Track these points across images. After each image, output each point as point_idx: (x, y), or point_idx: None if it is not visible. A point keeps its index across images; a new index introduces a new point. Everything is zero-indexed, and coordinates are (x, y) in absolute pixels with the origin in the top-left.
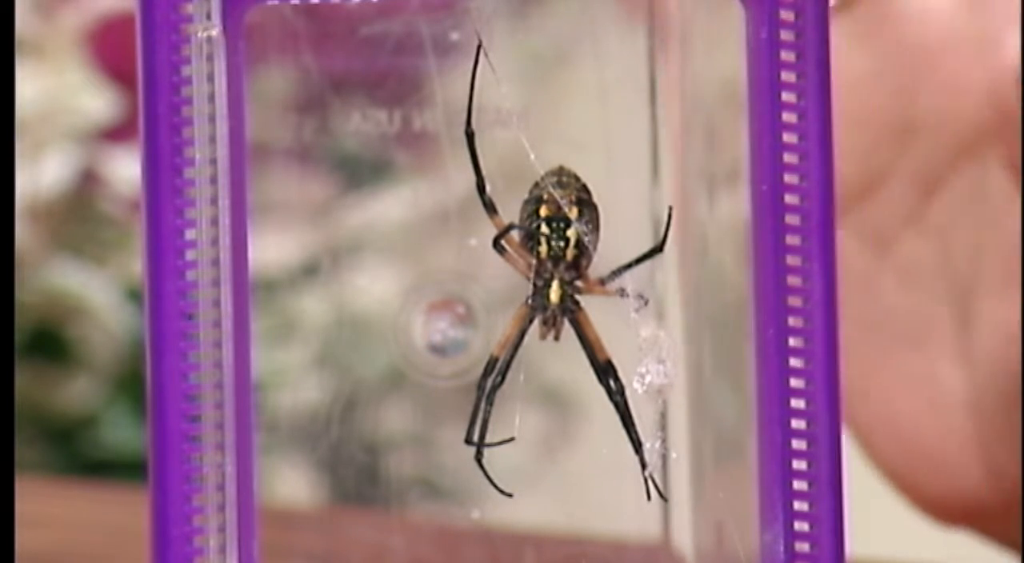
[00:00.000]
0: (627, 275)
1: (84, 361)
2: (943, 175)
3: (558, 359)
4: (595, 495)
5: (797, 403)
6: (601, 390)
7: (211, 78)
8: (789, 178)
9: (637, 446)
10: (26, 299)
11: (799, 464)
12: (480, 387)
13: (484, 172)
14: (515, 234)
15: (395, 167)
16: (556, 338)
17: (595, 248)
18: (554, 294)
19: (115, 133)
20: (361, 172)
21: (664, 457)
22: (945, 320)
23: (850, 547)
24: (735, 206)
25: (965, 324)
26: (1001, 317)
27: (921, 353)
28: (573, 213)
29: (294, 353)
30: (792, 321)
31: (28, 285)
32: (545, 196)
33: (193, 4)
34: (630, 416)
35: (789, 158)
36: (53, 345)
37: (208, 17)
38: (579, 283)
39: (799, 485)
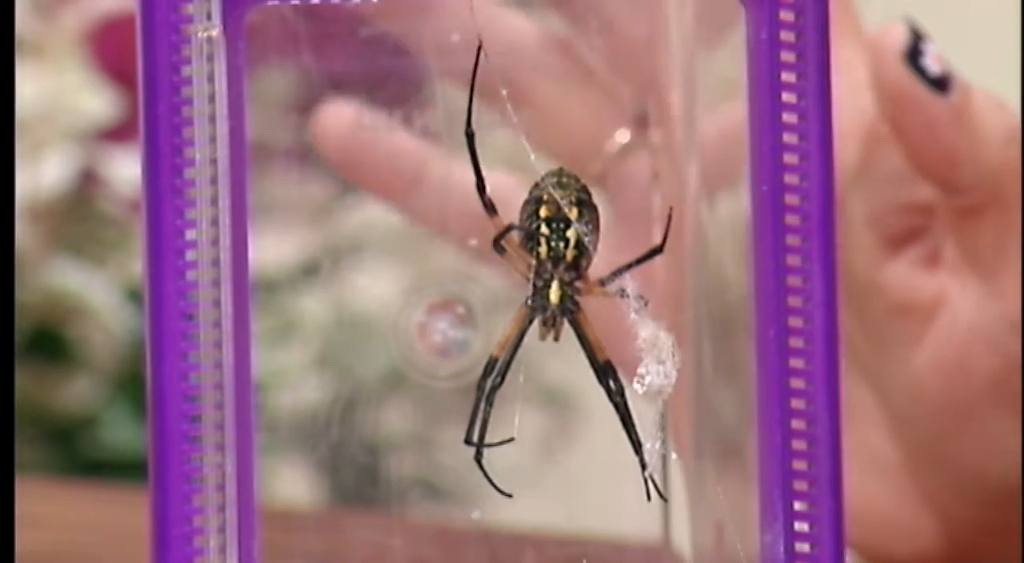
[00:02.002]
0: (627, 275)
1: (84, 361)
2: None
3: (558, 359)
4: (595, 495)
5: (797, 403)
6: (601, 390)
7: (211, 78)
8: (789, 178)
9: (637, 447)
10: (26, 299)
11: (799, 464)
12: (480, 388)
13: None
14: (515, 234)
15: None
16: (556, 338)
17: (595, 249)
18: (554, 295)
19: (115, 133)
20: None
21: (664, 457)
22: (860, 387)
23: None
24: (735, 206)
25: (877, 388)
26: (910, 373)
27: (850, 426)
28: (573, 214)
29: (294, 353)
30: (792, 321)
31: (28, 285)
32: (545, 197)
33: (193, 4)
34: (630, 417)
35: (789, 158)
36: (53, 345)
37: (208, 17)
38: (579, 284)
39: (799, 485)
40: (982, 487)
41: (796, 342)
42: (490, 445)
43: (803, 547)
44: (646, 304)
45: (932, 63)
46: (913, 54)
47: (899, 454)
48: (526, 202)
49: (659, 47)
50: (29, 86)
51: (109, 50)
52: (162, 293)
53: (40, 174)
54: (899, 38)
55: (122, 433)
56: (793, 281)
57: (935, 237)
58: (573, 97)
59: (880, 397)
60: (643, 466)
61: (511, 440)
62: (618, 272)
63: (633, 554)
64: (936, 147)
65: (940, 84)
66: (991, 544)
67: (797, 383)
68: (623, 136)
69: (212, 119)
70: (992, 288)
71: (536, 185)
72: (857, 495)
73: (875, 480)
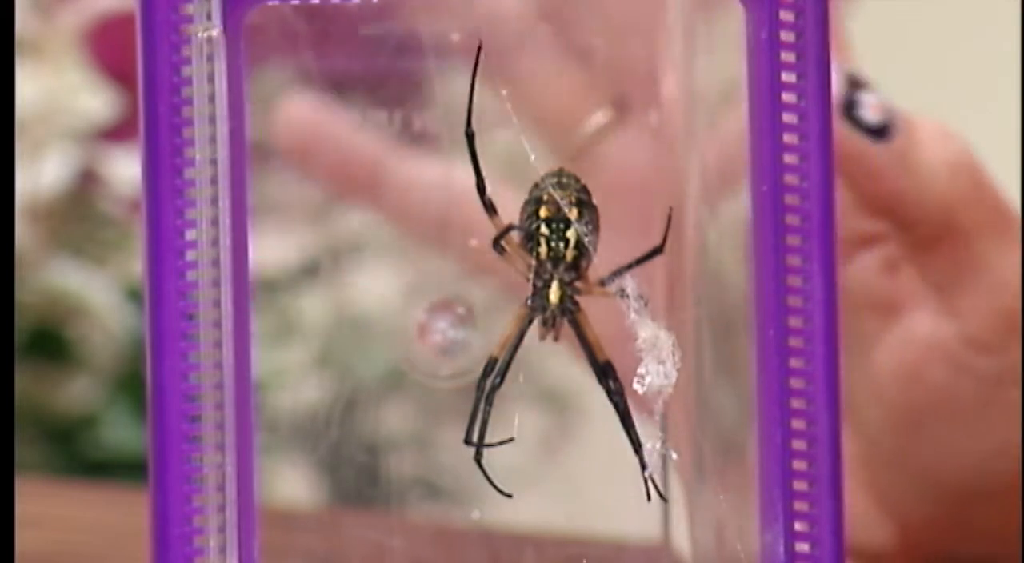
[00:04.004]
0: (627, 276)
1: (84, 361)
2: None
3: (558, 359)
4: (595, 495)
5: (797, 403)
6: (601, 390)
7: (211, 79)
8: (789, 178)
9: (637, 447)
10: (26, 299)
11: (799, 464)
12: (480, 388)
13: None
14: (515, 234)
15: None
16: (556, 339)
17: (595, 249)
18: (554, 295)
19: (115, 133)
20: None
21: (664, 457)
22: None
23: None
24: (735, 206)
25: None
26: (869, 374)
27: None
28: (573, 214)
29: (294, 353)
30: (792, 321)
31: (28, 285)
32: (545, 197)
33: (193, 5)
34: (629, 417)
35: (789, 158)
36: (53, 345)
37: (208, 18)
38: (579, 284)
39: (799, 485)
40: (936, 488)
41: (796, 342)
42: (490, 445)
43: (803, 547)
44: (646, 304)
45: (870, 113)
46: (849, 106)
47: (857, 449)
48: (526, 202)
49: (659, 44)
50: (29, 86)
51: (109, 50)
52: (162, 293)
53: (40, 174)
54: (835, 92)
55: (122, 433)
56: (793, 281)
57: (892, 247)
58: (553, 72)
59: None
60: (643, 466)
61: (511, 440)
62: (618, 272)
63: (633, 554)
64: (881, 193)
65: (880, 132)
66: (948, 541)
67: (797, 383)
68: (603, 116)
69: (212, 119)
70: (950, 307)
71: (536, 185)
72: None
73: None
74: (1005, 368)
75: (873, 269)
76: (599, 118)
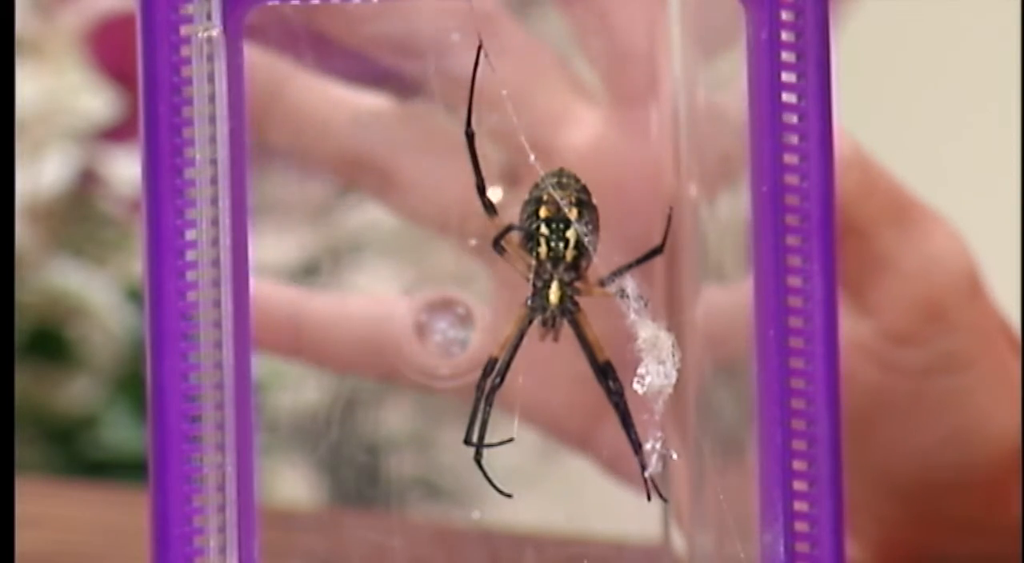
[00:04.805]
0: (627, 276)
1: (84, 361)
2: None
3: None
4: (595, 495)
5: (797, 403)
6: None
7: (211, 79)
8: (789, 178)
9: (636, 447)
10: (26, 299)
11: (799, 464)
12: (479, 388)
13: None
14: (515, 235)
15: None
16: (555, 339)
17: (595, 249)
18: (553, 295)
19: (115, 133)
20: None
21: (664, 458)
22: None
23: None
24: (735, 206)
25: None
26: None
27: None
28: (573, 214)
29: None
30: (792, 321)
31: (28, 285)
32: (545, 197)
33: (193, 4)
34: (629, 417)
35: (789, 158)
36: (53, 345)
37: (208, 17)
38: (579, 284)
39: (799, 485)
40: (890, 487)
41: (796, 342)
42: (490, 445)
43: (803, 547)
44: (646, 304)
45: None
46: None
47: None
48: (526, 202)
49: (659, 47)
50: (29, 86)
51: (109, 50)
52: (162, 293)
53: (40, 174)
54: None
55: (122, 433)
56: (793, 281)
57: None
58: (436, 167)
59: None
60: (643, 466)
61: (511, 440)
62: (618, 272)
63: (633, 554)
64: None
65: None
66: (927, 539)
67: (797, 383)
68: (495, 194)
69: (212, 119)
70: (863, 305)
71: (536, 185)
72: None
73: None
74: (931, 358)
75: None
76: (492, 196)
